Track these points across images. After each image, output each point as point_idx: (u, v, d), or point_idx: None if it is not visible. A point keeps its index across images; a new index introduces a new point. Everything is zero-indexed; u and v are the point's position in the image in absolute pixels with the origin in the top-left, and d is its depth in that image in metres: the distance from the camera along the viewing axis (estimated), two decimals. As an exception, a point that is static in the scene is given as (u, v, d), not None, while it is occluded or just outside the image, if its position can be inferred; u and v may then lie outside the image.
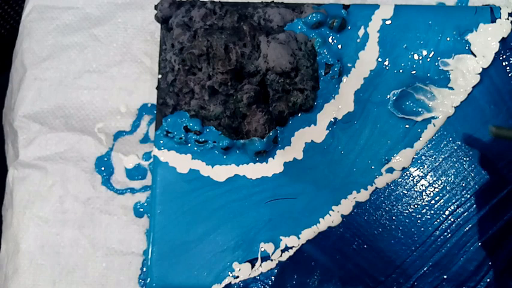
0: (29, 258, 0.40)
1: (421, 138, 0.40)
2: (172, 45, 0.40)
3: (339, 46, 0.41)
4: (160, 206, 0.39)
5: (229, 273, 0.38)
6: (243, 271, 0.38)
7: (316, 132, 0.40)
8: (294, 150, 0.40)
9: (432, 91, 0.40)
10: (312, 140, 0.40)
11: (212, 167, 0.40)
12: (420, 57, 0.41)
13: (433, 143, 0.40)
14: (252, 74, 0.39)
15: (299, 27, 0.41)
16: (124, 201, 0.41)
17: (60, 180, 0.41)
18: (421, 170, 0.40)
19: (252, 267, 0.38)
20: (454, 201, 0.39)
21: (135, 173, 0.42)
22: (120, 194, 0.41)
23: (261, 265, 0.38)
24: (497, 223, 0.38)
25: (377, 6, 0.42)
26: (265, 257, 0.38)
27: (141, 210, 0.41)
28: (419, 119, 0.40)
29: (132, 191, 0.41)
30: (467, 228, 0.38)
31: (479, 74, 0.40)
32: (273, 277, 0.38)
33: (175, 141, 0.40)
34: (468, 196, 0.39)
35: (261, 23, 0.41)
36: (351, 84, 0.41)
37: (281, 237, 0.38)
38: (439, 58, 0.41)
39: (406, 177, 0.40)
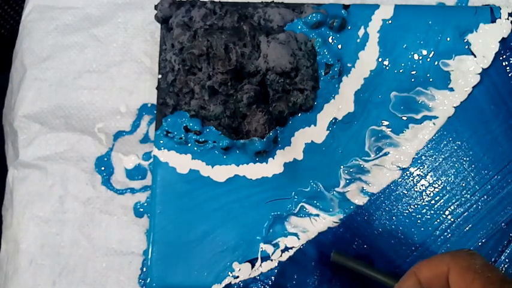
0: (29, 258, 0.40)
1: (421, 138, 0.40)
2: (172, 45, 0.40)
3: (339, 46, 0.41)
4: (160, 206, 0.39)
5: (229, 273, 0.38)
6: (243, 271, 0.38)
7: (316, 132, 0.40)
8: (294, 151, 0.40)
9: (433, 94, 0.40)
10: (312, 141, 0.40)
11: (212, 167, 0.40)
12: (420, 57, 0.41)
13: (433, 143, 0.40)
14: (252, 74, 0.39)
15: (299, 27, 0.41)
16: (124, 201, 0.41)
17: (60, 180, 0.41)
18: (421, 170, 0.40)
19: (252, 267, 0.38)
20: (454, 201, 0.39)
21: (135, 173, 0.42)
22: (120, 194, 0.41)
23: (261, 265, 0.38)
24: (497, 223, 0.38)
25: (377, 6, 0.42)
26: (265, 257, 0.38)
27: (141, 210, 0.41)
28: (419, 117, 0.40)
29: (132, 191, 0.41)
30: (467, 228, 0.38)
31: (479, 74, 0.40)
32: (273, 277, 0.38)
33: (175, 141, 0.40)
34: (468, 196, 0.39)
35: (261, 23, 0.41)
36: (351, 84, 0.41)
37: (281, 237, 0.38)
38: (439, 58, 0.41)
39: (406, 177, 0.40)
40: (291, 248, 0.38)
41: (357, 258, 0.36)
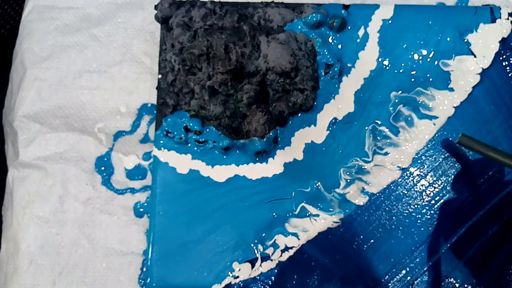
0: (29, 258, 0.40)
1: (421, 138, 0.40)
2: (172, 45, 0.40)
3: (339, 46, 0.41)
4: (160, 206, 0.39)
5: (229, 273, 0.38)
6: (243, 271, 0.38)
7: (316, 132, 0.40)
8: (294, 151, 0.40)
9: (433, 94, 0.40)
10: (312, 141, 0.40)
11: (212, 167, 0.40)
12: (420, 57, 0.41)
13: (433, 143, 0.40)
14: (252, 74, 0.39)
15: (299, 27, 0.41)
16: (124, 201, 0.41)
17: (60, 180, 0.41)
18: (421, 170, 0.40)
19: (252, 267, 0.38)
20: (454, 201, 0.39)
21: (135, 173, 0.42)
22: (120, 194, 0.41)
23: (261, 265, 0.38)
24: (497, 223, 0.38)
25: (377, 6, 0.42)
26: (265, 257, 0.38)
27: (141, 210, 0.41)
28: (419, 117, 0.40)
29: (132, 191, 0.41)
30: (467, 228, 0.38)
31: (479, 74, 0.40)
32: (273, 277, 0.38)
33: (175, 141, 0.40)
34: (468, 196, 0.39)
35: (261, 23, 0.41)
36: (351, 84, 0.41)
37: (281, 237, 0.38)
38: (439, 58, 0.41)
39: (406, 177, 0.40)
40: (291, 248, 0.38)
41: (484, 143, 0.35)
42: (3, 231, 0.42)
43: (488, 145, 0.35)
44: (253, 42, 0.39)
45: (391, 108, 0.40)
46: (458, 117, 0.40)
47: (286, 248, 0.38)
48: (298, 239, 0.38)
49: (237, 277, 0.38)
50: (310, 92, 0.40)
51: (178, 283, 0.38)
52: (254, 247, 0.38)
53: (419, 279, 0.38)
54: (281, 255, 0.38)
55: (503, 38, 0.41)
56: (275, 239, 0.38)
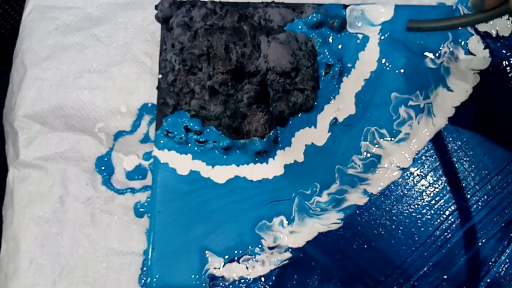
0: (29, 258, 0.40)
1: (421, 138, 0.40)
2: (173, 45, 0.40)
3: (339, 46, 0.41)
4: (160, 206, 0.39)
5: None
6: (243, 271, 0.38)
7: (317, 134, 0.40)
8: (294, 152, 0.40)
9: (433, 94, 0.40)
10: (312, 143, 0.40)
11: (213, 167, 0.40)
12: (420, 58, 0.41)
13: (433, 143, 0.40)
14: (253, 74, 0.39)
15: (299, 27, 0.41)
16: (124, 201, 0.41)
17: (60, 180, 0.41)
18: (421, 170, 0.40)
19: (252, 267, 0.38)
20: (454, 201, 0.39)
21: (135, 172, 0.42)
22: (121, 194, 0.41)
23: (261, 265, 0.38)
24: (497, 223, 0.38)
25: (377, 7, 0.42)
26: (265, 257, 0.38)
27: (142, 210, 0.41)
28: (419, 117, 0.40)
29: (133, 190, 0.41)
30: (467, 228, 0.38)
31: (479, 74, 0.40)
32: (273, 277, 0.38)
33: (176, 141, 0.40)
34: (468, 196, 0.39)
35: (262, 23, 0.41)
36: (351, 85, 0.41)
37: (281, 237, 0.38)
38: (439, 58, 0.41)
39: (406, 177, 0.40)
40: (291, 248, 0.38)
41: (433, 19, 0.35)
42: (3, 231, 0.42)
43: (437, 19, 0.34)
44: (253, 42, 0.39)
45: (392, 109, 0.40)
46: (458, 117, 0.40)
47: (286, 248, 0.38)
48: (298, 239, 0.38)
49: (237, 277, 0.38)
50: (310, 92, 0.40)
51: (178, 283, 0.38)
52: (254, 247, 0.38)
53: (419, 279, 0.38)
54: (281, 255, 0.38)
55: (503, 38, 0.41)
56: (275, 240, 0.38)
